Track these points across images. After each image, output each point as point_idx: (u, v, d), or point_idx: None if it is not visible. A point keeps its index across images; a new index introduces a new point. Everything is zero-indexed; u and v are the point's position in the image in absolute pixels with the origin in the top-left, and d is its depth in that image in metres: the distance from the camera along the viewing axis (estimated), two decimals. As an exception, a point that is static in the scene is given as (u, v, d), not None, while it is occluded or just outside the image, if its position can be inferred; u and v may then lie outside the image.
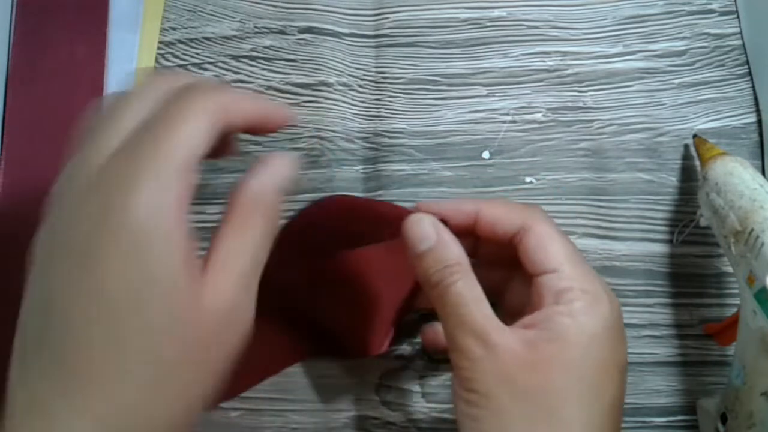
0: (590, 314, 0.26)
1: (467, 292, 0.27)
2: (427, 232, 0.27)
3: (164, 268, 0.22)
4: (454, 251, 0.27)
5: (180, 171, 0.22)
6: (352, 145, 0.38)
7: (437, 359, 0.36)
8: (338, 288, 0.33)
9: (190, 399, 0.23)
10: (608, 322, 0.26)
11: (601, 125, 0.39)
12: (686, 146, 0.39)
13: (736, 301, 0.37)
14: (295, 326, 0.35)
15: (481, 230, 0.29)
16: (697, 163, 0.37)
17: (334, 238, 0.33)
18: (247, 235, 0.24)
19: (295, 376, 0.34)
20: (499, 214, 0.28)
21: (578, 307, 0.26)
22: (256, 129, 0.26)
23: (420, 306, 0.34)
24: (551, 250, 0.27)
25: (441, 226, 0.28)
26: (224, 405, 0.35)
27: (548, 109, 0.39)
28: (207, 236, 0.37)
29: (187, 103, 0.23)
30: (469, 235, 0.29)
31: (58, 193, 0.24)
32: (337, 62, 0.39)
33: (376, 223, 0.31)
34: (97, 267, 0.21)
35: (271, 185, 0.25)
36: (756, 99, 0.39)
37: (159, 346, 0.22)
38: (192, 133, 0.23)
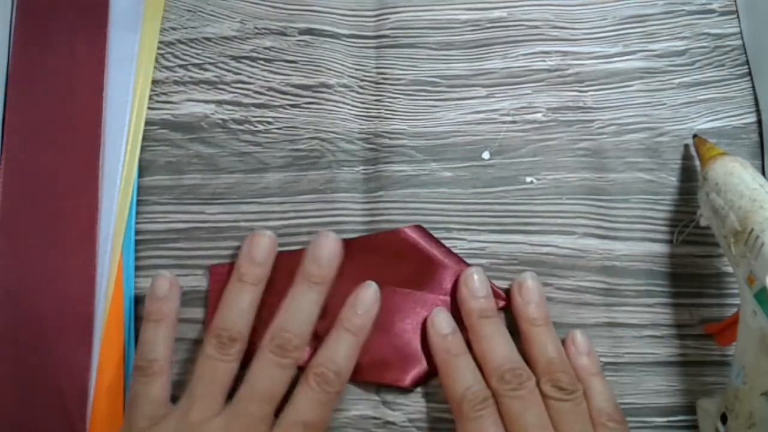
0: None
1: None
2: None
3: None
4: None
5: None
6: (353, 146, 0.38)
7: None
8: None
9: None
10: None
11: (601, 125, 0.39)
12: (686, 146, 0.39)
13: (736, 301, 0.37)
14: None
15: None
16: (697, 163, 0.37)
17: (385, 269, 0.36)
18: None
19: (294, 375, 0.34)
20: None
21: None
22: None
23: None
24: None
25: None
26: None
27: (548, 109, 0.39)
28: (207, 236, 0.37)
29: None
30: None
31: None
32: (338, 63, 0.39)
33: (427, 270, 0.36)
34: None
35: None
36: (756, 99, 0.39)
37: None
38: None
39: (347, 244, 0.36)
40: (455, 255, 0.36)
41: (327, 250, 0.33)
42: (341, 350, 0.32)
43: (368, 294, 0.33)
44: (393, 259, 0.36)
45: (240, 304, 0.33)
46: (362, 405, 0.35)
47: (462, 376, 0.32)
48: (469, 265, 0.36)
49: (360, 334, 0.33)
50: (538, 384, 0.32)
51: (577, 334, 0.35)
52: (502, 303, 0.35)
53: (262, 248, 0.34)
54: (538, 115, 0.39)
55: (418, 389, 0.35)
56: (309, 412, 0.31)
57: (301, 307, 0.32)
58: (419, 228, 0.36)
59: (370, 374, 0.34)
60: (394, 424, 0.35)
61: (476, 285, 0.34)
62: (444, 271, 0.36)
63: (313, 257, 0.33)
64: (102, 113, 0.38)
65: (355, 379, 0.34)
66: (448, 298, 0.35)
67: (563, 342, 0.34)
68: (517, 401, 0.31)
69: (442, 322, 0.34)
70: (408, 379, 0.34)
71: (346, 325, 0.33)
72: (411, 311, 0.35)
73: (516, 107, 0.39)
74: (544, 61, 0.40)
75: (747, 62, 0.40)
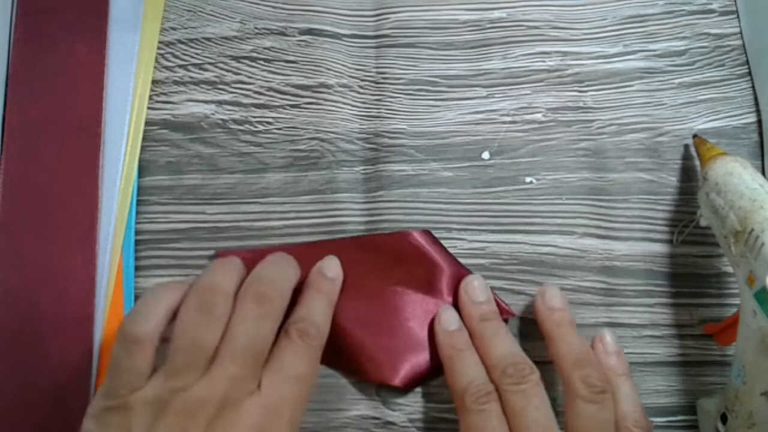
0: None
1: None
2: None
3: None
4: None
5: None
6: (353, 146, 0.38)
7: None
8: (367, 310, 0.35)
9: None
10: None
11: (601, 125, 0.39)
12: (686, 146, 0.39)
13: (736, 301, 0.37)
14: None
15: None
16: (697, 163, 0.37)
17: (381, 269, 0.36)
18: None
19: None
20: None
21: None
22: None
23: None
24: None
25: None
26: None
27: (548, 109, 0.39)
28: (207, 236, 0.37)
29: None
30: None
31: (221, 398, 0.28)
32: (338, 63, 0.39)
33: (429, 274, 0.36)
34: None
35: None
36: (756, 99, 0.39)
37: None
38: None
39: (354, 241, 0.36)
40: (460, 264, 0.36)
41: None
42: (317, 308, 0.32)
43: (334, 262, 0.35)
44: (398, 261, 0.36)
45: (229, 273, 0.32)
46: (362, 405, 0.35)
47: (465, 370, 0.32)
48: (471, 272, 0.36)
49: (331, 297, 0.33)
50: (567, 383, 0.31)
51: (606, 334, 0.34)
52: (505, 316, 0.35)
53: (333, 266, 0.35)
54: (538, 116, 0.39)
55: (418, 389, 0.35)
56: (296, 365, 0.30)
57: (278, 265, 0.33)
58: (428, 234, 0.36)
59: (363, 372, 0.34)
60: (394, 424, 0.35)
61: (476, 291, 0.34)
62: (448, 279, 0.35)
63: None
64: (102, 113, 0.38)
65: (349, 377, 0.34)
66: (450, 303, 0.35)
67: (591, 343, 0.34)
68: (519, 395, 0.31)
69: (449, 318, 0.34)
70: (398, 379, 0.34)
71: (317, 287, 0.33)
72: (410, 312, 0.35)
73: (516, 107, 0.39)
74: (544, 61, 0.40)
75: (747, 62, 0.40)
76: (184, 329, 0.30)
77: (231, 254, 0.35)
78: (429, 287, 0.35)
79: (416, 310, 0.35)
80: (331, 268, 0.34)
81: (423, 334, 0.35)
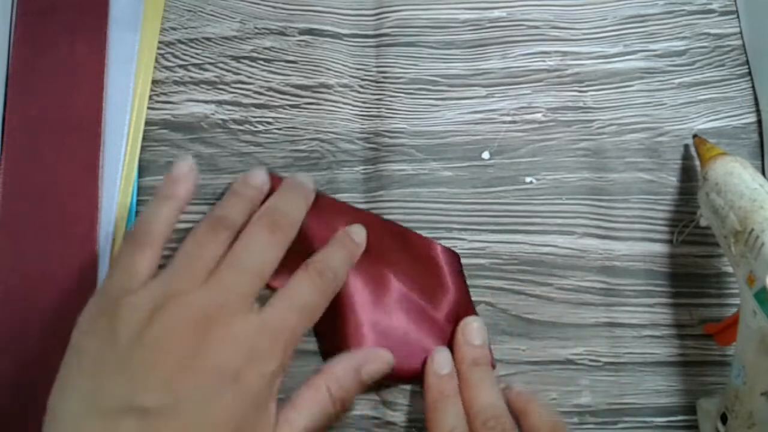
0: None
1: None
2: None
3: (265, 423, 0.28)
4: None
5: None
6: (353, 146, 0.38)
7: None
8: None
9: None
10: None
11: (601, 125, 0.39)
12: (686, 146, 0.39)
13: (736, 301, 0.37)
14: None
15: None
16: (697, 163, 0.37)
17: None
18: (314, 408, 0.30)
19: (295, 375, 0.34)
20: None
21: None
22: None
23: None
24: None
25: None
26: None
27: (548, 109, 0.39)
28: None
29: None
30: None
31: (214, 310, 0.28)
32: (338, 63, 0.39)
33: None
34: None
35: (355, 378, 0.31)
36: (756, 99, 0.39)
37: None
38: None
39: (386, 224, 0.36)
40: (469, 297, 0.36)
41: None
42: (338, 257, 0.33)
43: (362, 231, 0.35)
44: (415, 262, 0.36)
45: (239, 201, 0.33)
46: (362, 405, 0.35)
47: (448, 418, 0.32)
48: (477, 313, 0.36)
49: (353, 255, 0.34)
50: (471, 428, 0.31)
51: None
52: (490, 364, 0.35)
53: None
54: (538, 115, 0.39)
55: (418, 389, 0.35)
56: (305, 297, 0.30)
57: (293, 197, 0.34)
58: (452, 254, 0.36)
59: (344, 343, 0.34)
60: (394, 424, 0.35)
61: (474, 333, 0.34)
62: (451, 304, 0.35)
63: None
64: (102, 113, 0.38)
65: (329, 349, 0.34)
66: (444, 327, 0.35)
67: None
68: None
69: (442, 361, 0.34)
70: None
71: (342, 242, 0.34)
72: (405, 312, 0.35)
73: (516, 107, 0.39)
74: (544, 61, 0.40)
75: (747, 62, 0.40)
76: (188, 242, 0.30)
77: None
78: (433, 301, 0.35)
79: (412, 314, 0.35)
80: (359, 234, 0.35)
81: (409, 338, 0.34)
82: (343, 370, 0.31)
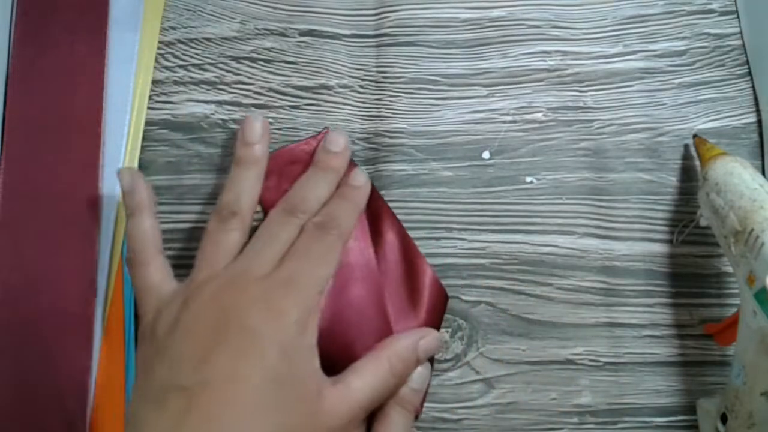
0: None
1: None
2: None
3: (309, 373, 0.29)
4: None
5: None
6: (353, 146, 0.38)
7: (435, 359, 0.36)
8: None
9: None
10: None
11: (601, 125, 0.39)
12: (686, 146, 0.39)
13: (736, 301, 0.37)
14: None
15: None
16: (697, 163, 0.37)
17: None
18: (376, 378, 0.31)
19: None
20: None
21: None
22: None
23: None
24: None
25: None
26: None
27: (548, 109, 0.39)
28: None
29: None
30: None
31: (230, 282, 0.31)
32: (338, 64, 0.39)
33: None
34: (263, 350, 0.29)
35: (414, 352, 0.32)
36: (756, 99, 0.39)
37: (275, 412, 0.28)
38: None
39: (396, 224, 0.36)
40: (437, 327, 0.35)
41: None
42: (341, 207, 0.34)
43: (361, 173, 0.36)
44: (399, 270, 0.35)
45: (240, 183, 0.34)
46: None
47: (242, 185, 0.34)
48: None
49: (357, 201, 0.35)
50: None
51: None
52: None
53: (255, 131, 0.35)
54: (538, 115, 0.39)
55: (418, 389, 0.35)
56: (312, 247, 0.32)
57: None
58: (441, 292, 0.35)
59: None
60: (394, 424, 0.35)
61: (415, 376, 0.33)
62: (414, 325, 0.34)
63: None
64: (102, 113, 0.38)
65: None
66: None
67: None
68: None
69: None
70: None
71: (342, 193, 0.35)
72: (367, 309, 0.34)
73: (516, 107, 0.39)
74: (545, 60, 0.40)
75: (747, 62, 0.40)
76: (204, 239, 0.34)
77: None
78: (399, 316, 0.34)
79: (376, 318, 0.34)
80: (358, 177, 0.36)
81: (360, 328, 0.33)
82: (404, 345, 0.32)
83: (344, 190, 0.35)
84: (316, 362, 0.30)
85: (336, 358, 0.31)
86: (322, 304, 0.31)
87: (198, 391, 0.27)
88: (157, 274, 0.32)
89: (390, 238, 0.35)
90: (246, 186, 0.34)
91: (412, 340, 0.32)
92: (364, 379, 0.30)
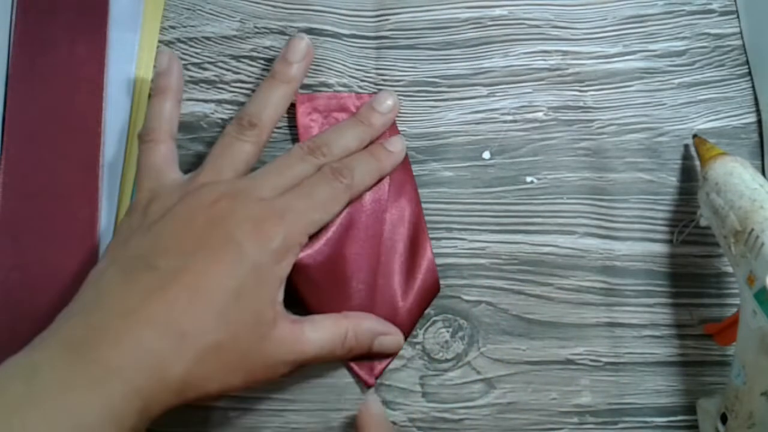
0: None
1: None
2: None
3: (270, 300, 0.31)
4: None
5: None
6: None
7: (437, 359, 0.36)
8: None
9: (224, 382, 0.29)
10: None
11: (601, 125, 0.39)
12: (686, 146, 0.39)
13: (736, 301, 0.37)
14: None
15: None
16: (697, 163, 0.37)
17: None
18: (327, 340, 0.32)
19: (294, 375, 0.34)
20: None
21: None
22: None
23: None
24: None
25: None
26: (221, 404, 0.35)
27: (549, 109, 0.39)
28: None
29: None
30: None
31: (232, 193, 0.32)
32: (337, 63, 0.39)
33: None
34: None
35: (371, 340, 0.34)
36: (756, 99, 0.39)
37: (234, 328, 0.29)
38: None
39: (417, 203, 0.37)
40: (415, 322, 0.36)
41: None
42: (362, 161, 0.35)
43: (399, 140, 0.37)
44: (403, 246, 0.36)
45: (267, 97, 0.35)
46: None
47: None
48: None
49: (382, 164, 0.35)
50: None
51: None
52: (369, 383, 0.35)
53: (298, 50, 0.36)
54: (539, 114, 0.39)
55: (418, 389, 0.35)
56: (316, 188, 0.33)
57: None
58: (434, 276, 0.36)
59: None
60: (394, 423, 0.35)
61: (370, 400, 0.33)
62: (399, 314, 0.35)
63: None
64: (102, 113, 0.38)
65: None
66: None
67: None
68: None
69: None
70: (373, 379, 0.35)
71: (371, 150, 0.36)
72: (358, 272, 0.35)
73: (516, 106, 0.39)
74: (545, 60, 0.40)
75: (747, 62, 0.40)
76: (219, 142, 0.35)
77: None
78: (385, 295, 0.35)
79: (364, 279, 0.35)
80: (395, 144, 0.36)
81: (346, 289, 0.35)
82: (368, 327, 0.33)
83: (374, 148, 0.36)
84: (280, 295, 0.31)
85: (308, 303, 0.33)
86: (308, 247, 0.33)
87: (170, 277, 0.29)
88: (164, 156, 0.34)
89: (406, 213, 0.36)
90: (272, 100, 0.35)
91: (377, 329, 0.34)
92: (317, 333, 0.31)
